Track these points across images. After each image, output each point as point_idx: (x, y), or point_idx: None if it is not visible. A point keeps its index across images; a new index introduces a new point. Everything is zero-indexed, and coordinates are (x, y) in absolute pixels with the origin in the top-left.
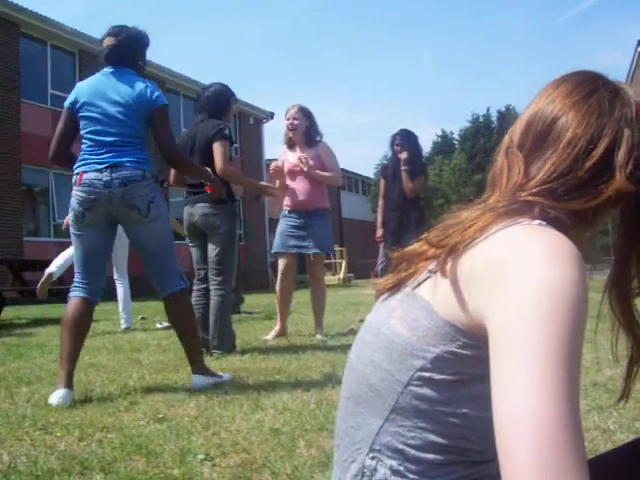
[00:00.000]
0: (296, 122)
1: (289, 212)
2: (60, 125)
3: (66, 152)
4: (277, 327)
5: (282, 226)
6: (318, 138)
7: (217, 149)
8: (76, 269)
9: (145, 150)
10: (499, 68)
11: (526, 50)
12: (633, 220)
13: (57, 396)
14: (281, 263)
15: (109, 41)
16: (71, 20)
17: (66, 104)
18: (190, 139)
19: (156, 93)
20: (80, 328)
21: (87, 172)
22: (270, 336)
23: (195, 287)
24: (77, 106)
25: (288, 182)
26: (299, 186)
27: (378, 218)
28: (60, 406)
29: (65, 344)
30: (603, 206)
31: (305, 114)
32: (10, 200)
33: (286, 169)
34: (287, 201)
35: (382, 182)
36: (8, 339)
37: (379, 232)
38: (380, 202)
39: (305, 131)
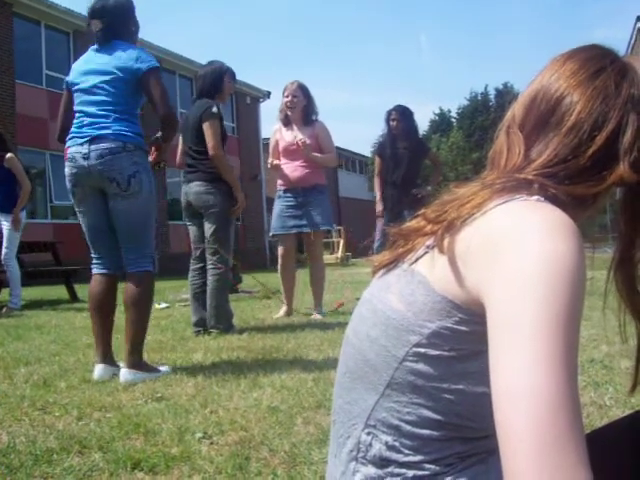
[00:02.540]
0: (295, 99)
1: (284, 191)
2: (60, 106)
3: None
4: (284, 308)
5: (279, 207)
6: (314, 117)
7: (207, 129)
8: (90, 246)
9: (132, 121)
10: (497, 46)
11: (524, 27)
12: (636, 202)
13: (96, 371)
14: (281, 245)
15: (96, 25)
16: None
17: (64, 84)
18: (186, 119)
19: (142, 58)
20: (102, 305)
21: (71, 147)
22: (277, 316)
23: (192, 266)
24: (69, 84)
25: (283, 160)
26: (294, 164)
27: (377, 194)
28: (99, 380)
29: (93, 323)
30: (605, 192)
31: (304, 92)
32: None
33: (281, 147)
34: (282, 180)
35: (377, 160)
36: (6, 320)
37: (378, 207)
38: (376, 180)
39: (303, 109)
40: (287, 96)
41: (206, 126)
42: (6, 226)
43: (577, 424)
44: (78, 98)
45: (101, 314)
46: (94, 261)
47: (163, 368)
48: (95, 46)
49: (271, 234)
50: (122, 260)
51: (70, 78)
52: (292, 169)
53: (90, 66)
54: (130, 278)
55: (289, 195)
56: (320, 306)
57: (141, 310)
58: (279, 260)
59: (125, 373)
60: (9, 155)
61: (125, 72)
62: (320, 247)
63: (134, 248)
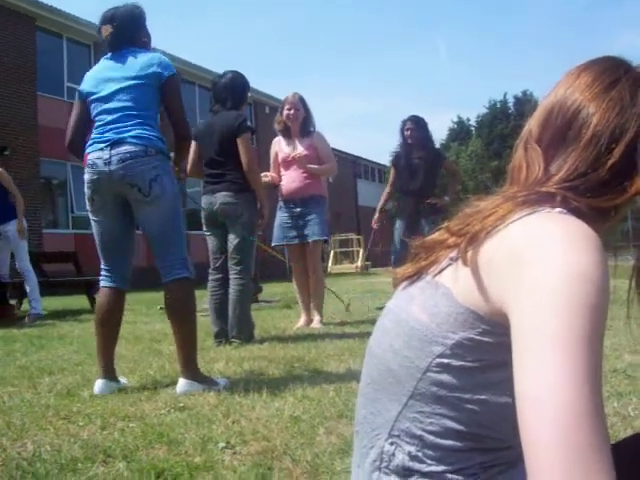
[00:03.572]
0: (297, 112)
1: (284, 202)
2: (72, 114)
3: (81, 141)
4: (303, 318)
5: (279, 218)
6: (312, 128)
7: (242, 143)
8: (101, 257)
9: (152, 126)
10: (516, 53)
11: (544, 34)
12: None
13: (96, 386)
14: (291, 255)
15: (106, 30)
16: (86, 12)
17: (76, 94)
18: (209, 129)
19: (164, 63)
20: (108, 319)
21: (91, 152)
22: (297, 326)
23: (211, 277)
24: (84, 93)
25: (282, 172)
26: (293, 175)
27: (379, 203)
28: (99, 395)
29: (97, 337)
30: (627, 203)
31: (304, 104)
32: (29, 193)
33: (280, 159)
34: (282, 191)
35: (392, 171)
36: (30, 330)
37: (376, 216)
38: (387, 189)
39: (302, 121)
40: (289, 109)
41: (241, 140)
42: (11, 233)
43: (602, 434)
44: (97, 107)
45: (106, 328)
46: (103, 273)
47: (221, 381)
48: (108, 54)
49: (272, 244)
50: (130, 274)
51: (85, 88)
52: (290, 180)
53: (107, 74)
54: (168, 288)
55: (288, 206)
56: (320, 316)
57: (186, 319)
58: (293, 271)
59: (182, 384)
60: None
61: (146, 77)
62: (318, 257)
63: (166, 254)
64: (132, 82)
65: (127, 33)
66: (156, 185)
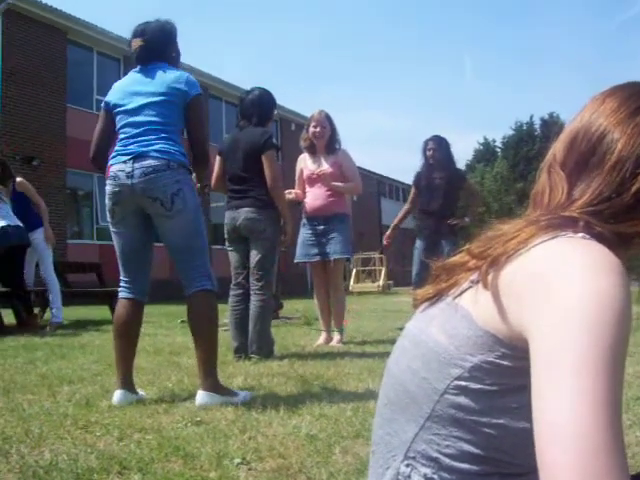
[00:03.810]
0: (323, 129)
1: (308, 219)
2: (97, 126)
3: (104, 154)
4: (323, 336)
5: (302, 235)
6: (338, 145)
7: (267, 160)
8: (120, 268)
9: (176, 140)
10: (543, 75)
11: (571, 56)
12: None
13: (114, 396)
14: (313, 273)
15: (136, 43)
16: (116, 27)
17: (102, 104)
18: (234, 144)
19: (191, 82)
20: (127, 331)
21: (114, 165)
22: (317, 344)
23: (232, 292)
24: (110, 105)
25: (307, 189)
26: (317, 193)
27: (395, 220)
28: (117, 406)
29: (115, 347)
30: None
31: (330, 121)
32: (55, 203)
33: (305, 176)
34: (306, 208)
35: (412, 190)
36: (51, 339)
37: (388, 232)
38: (405, 206)
39: (328, 139)
40: (315, 126)
41: (266, 157)
42: (38, 241)
43: (621, 464)
44: (122, 120)
45: (124, 340)
46: (122, 285)
47: (243, 393)
48: (137, 68)
49: (295, 261)
50: (148, 286)
51: (112, 99)
52: (314, 198)
53: (135, 87)
54: (191, 300)
55: (311, 223)
56: (341, 334)
57: (208, 331)
58: (314, 289)
59: (202, 396)
60: (19, 179)
61: (172, 94)
62: (340, 276)
63: (189, 268)
64: (158, 98)
65: (157, 48)
66: (178, 199)
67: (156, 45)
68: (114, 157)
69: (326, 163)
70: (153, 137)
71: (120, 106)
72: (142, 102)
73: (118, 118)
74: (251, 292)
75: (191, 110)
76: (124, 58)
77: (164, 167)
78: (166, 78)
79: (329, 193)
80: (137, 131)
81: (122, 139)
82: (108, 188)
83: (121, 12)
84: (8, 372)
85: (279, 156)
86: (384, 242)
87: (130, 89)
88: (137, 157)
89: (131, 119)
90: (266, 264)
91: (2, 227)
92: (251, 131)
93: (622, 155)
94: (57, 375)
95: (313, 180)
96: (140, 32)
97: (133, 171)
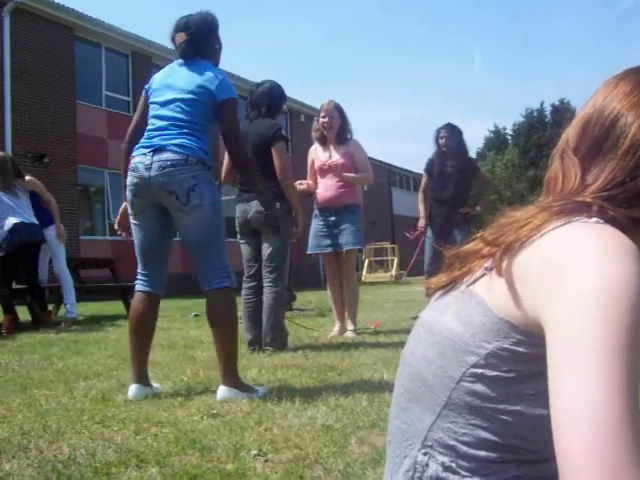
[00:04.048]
0: (332, 119)
1: (319, 210)
2: (138, 107)
3: (137, 140)
4: (336, 326)
5: (314, 226)
6: (349, 136)
7: (277, 152)
8: (138, 261)
9: (199, 137)
10: (553, 62)
11: (581, 43)
12: None
13: (130, 390)
14: (326, 263)
15: (180, 37)
16: (124, 23)
17: (143, 91)
18: (243, 137)
19: (224, 86)
20: (143, 324)
21: (136, 156)
22: (331, 335)
23: (245, 285)
24: (149, 92)
25: (318, 180)
26: (329, 183)
27: (420, 209)
28: (133, 400)
29: (130, 341)
30: None
31: (340, 111)
32: (67, 200)
33: (316, 167)
34: (317, 199)
35: (424, 176)
36: (66, 335)
37: (421, 222)
38: (420, 195)
39: (338, 128)
40: (324, 116)
41: (275, 148)
42: (50, 238)
43: (638, 449)
44: (153, 110)
45: (140, 333)
46: (140, 277)
47: (261, 389)
48: (180, 60)
49: (307, 252)
50: (165, 280)
51: (151, 87)
52: (325, 188)
53: (171, 80)
54: (209, 296)
55: (323, 214)
56: (354, 324)
57: (226, 328)
58: (327, 279)
59: (223, 391)
60: (28, 178)
61: (203, 94)
62: (352, 266)
63: (205, 264)
64: (187, 95)
65: (201, 41)
66: (194, 194)
67: (200, 40)
68: (137, 148)
69: (337, 154)
70: (175, 132)
71: (154, 96)
72: (172, 97)
73: (151, 107)
74: (264, 284)
75: (221, 114)
76: (132, 54)
77: (182, 162)
78: (199, 77)
79: (340, 184)
80: (162, 124)
81: (148, 130)
82: (129, 179)
83: (129, 8)
84: (25, 368)
85: (289, 148)
86: (413, 234)
87: (166, 81)
88: (157, 150)
89: (159, 112)
90: (278, 256)
91: (14, 224)
92: (260, 123)
93: (636, 139)
94: (73, 370)
95: (324, 171)
96: (183, 26)
97: (152, 164)
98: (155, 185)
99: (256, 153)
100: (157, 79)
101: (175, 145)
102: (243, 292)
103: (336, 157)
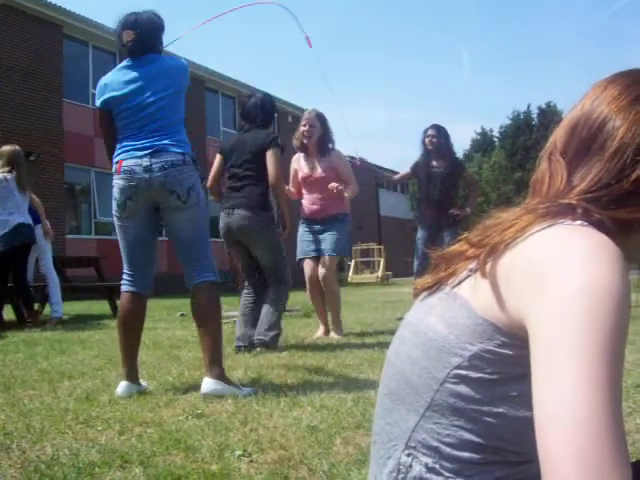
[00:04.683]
0: (312, 129)
1: (306, 220)
2: (104, 126)
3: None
4: (321, 328)
5: (300, 233)
6: (331, 146)
7: (271, 157)
8: (124, 262)
9: (184, 131)
10: (540, 65)
11: (568, 46)
12: None
13: (119, 387)
14: (306, 268)
15: (128, 35)
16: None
17: (98, 104)
18: (241, 144)
19: (187, 72)
20: (131, 324)
21: (126, 159)
22: (316, 336)
23: (245, 291)
24: (108, 102)
25: (303, 191)
26: (313, 196)
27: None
28: (121, 396)
29: (120, 341)
30: None
31: (321, 121)
32: (53, 198)
33: (300, 178)
34: (303, 210)
35: (407, 170)
36: (51, 334)
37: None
38: (396, 177)
39: (318, 139)
40: (305, 125)
41: (270, 153)
42: (37, 237)
43: (622, 451)
44: (128, 117)
45: (129, 332)
46: (126, 278)
47: (247, 389)
48: (128, 61)
49: (297, 259)
50: (152, 280)
51: (109, 96)
52: (311, 202)
53: (136, 81)
54: (196, 291)
55: (308, 223)
56: (338, 327)
57: (212, 321)
58: (306, 282)
59: (209, 383)
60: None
61: (177, 85)
62: (332, 273)
63: (195, 260)
64: (165, 89)
65: (149, 39)
66: (193, 193)
67: (149, 39)
68: (125, 151)
69: (319, 168)
70: (166, 131)
71: (124, 101)
72: (146, 95)
73: (120, 113)
74: (268, 283)
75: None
76: (119, 52)
77: (180, 162)
78: (168, 69)
79: (325, 196)
80: (148, 125)
81: (131, 134)
82: (121, 182)
83: (116, 6)
84: (8, 368)
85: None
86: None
87: (132, 85)
88: (154, 152)
89: (139, 114)
90: (277, 267)
91: (19, 224)
92: (257, 132)
93: (623, 142)
94: (57, 370)
95: (309, 183)
96: (132, 24)
97: (151, 165)
98: (156, 185)
99: (250, 160)
100: (113, 86)
101: (172, 145)
102: (244, 290)
103: (319, 171)
